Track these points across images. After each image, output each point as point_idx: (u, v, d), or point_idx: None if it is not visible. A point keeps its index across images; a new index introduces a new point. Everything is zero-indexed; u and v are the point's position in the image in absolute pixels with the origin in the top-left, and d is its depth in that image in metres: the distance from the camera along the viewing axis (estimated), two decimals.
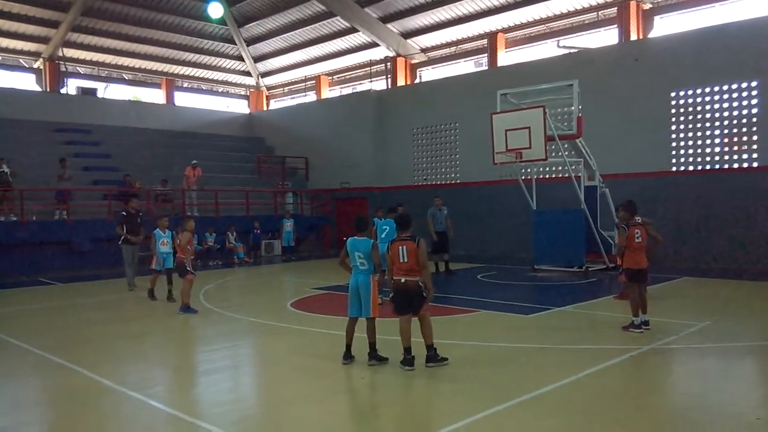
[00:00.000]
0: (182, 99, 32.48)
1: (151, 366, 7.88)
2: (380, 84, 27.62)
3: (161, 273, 12.68)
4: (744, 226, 16.05)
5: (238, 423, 5.67)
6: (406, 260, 6.98)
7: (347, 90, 30.62)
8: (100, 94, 28.73)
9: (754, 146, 16.20)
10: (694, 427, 5.24)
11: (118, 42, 28.61)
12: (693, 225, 16.79)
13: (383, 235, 11.70)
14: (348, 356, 7.30)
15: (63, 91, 27.77)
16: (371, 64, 28.16)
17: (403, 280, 7.00)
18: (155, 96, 31.85)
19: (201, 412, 6.04)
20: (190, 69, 32.13)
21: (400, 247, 7.02)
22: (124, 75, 30.80)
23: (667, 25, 19.93)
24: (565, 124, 17.01)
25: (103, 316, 11.45)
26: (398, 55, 26.67)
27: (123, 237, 14.28)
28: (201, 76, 32.94)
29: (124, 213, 14.81)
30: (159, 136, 26.76)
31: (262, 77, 33.71)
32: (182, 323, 10.52)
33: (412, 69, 27.15)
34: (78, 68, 29.16)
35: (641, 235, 8.85)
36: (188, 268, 11.15)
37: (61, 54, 27.66)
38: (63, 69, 28.07)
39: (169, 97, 31.37)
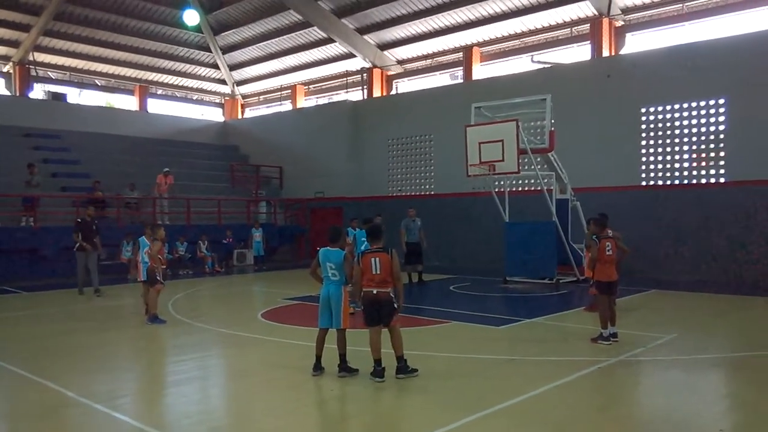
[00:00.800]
0: (156, 106, 32.18)
1: (116, 377, 7.71)
2: (356, 95, 27.69)
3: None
4: (712, 238, 16.36)
5: None
6: (378, 272, 6.96)
7: (323, 100, 30.63)
8: (71, 100, 28.30)
9: (722, 162, 16.57)
10: None
11: (90, 47, 28.26)
12: (662, 239, 17.07)
13: (363, 247, 11.67)
14: (318, 367, 7.25)
15: (32, 95, 27.28)
16: (347, 74, 28.24)
17: (374, 292, 6.97)
18: (128, 102, 31.50)
19: (168, 425, 5.93)
20: (164, 76, 31.85)
21: (373, 259, 7.00)
22: (96, 81, 30.41)
23: (638, 43, 20.35)
24: (538, 137, 17.23)
25: (69, 326, 11.21)
26: (374, 66, 26.79)
27: (78, 244, 14.64)
28: (175, 83, 32.68)
29: (79, 220, 15.16)
30: (131, 143, 26.39)
31: (237, 85, 33.56)
32: (150, 334, 10.34)
33: (389, 80, 27.27)
34: (49, 73, 28.73)
35: (611, 248, 8.97)
36: (158, 278, 10.98)
37: (31, 58, 27.21)
38: (33, 73, 27.62)
39: (143, 104, 31.04)
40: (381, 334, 7.05)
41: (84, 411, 6.23)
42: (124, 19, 27.48)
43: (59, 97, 27.25)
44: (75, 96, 29.50)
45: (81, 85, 30.18)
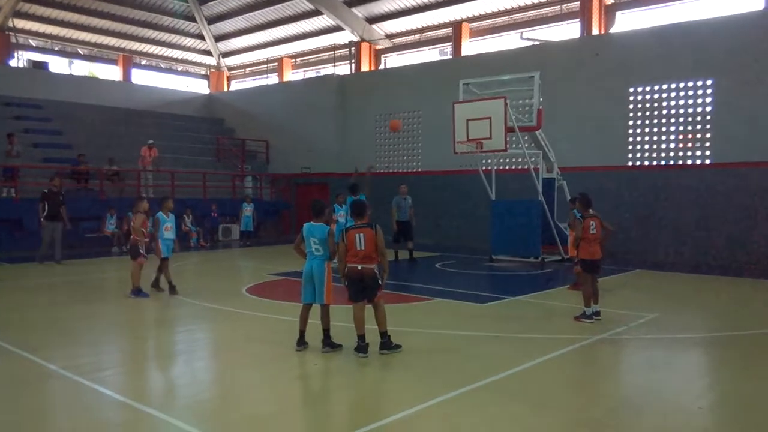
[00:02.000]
0: (140, 77, 31.67)
1: (99, 350, 7.67)
2: (344, 69, 27.41)
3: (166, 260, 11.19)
4: (696, 221, 16.49)
5: (187, 409, 5.57)
6: (363, 248, 6.92)
7: (310, 73, 30.31)
8: (53, 69, 27.74)
9: (707, 144, 16.64)
10: (639, 415, 5.35)
11: (72, 14, 27.66)
12: (648, 219, 17.18)
13: (345, 220, 11.71)
14: (302, 343, 7.24)
15: (12, 63, 26.71)
16: (335, 48, 27.91)
17: (359, 267, 6.95)
18: (111, 72, 30.96)
19: (150, 398, 5.91)
20: (149, 46, 31.32)
21: (357, 235, 6.95)
22: (79, 49, 29.84)
23: (627, 21, 20.27)
24: (526, 116, 17.18)
25: (50, 298, 11.12)
26: (363, 40, 26.48)
27: (45, 214, 14.91)
28: (160, 53, 32.15)
29: (45, 191, 15.24)
30: (114, 114, 25.98)
31: (223, 57, 33.09)
32: (133, 307, 10.27)
33: (377, 55, 27.00)
34: (30, 40, 28.10)
35: (596, 226, 8.99)
36: (141, 251, 10.88)
37: (11, 25, 26.57)
38: (14, 41, 27.00)
39: (126, 74, 30.53)
40: (365, 310, 7.05)
41: (66, 383, 6.18)
42: None
43: (41, 66, 26.70)
44: (57, 65, 28.92)
45: (63, 53, 29.59)
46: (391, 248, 15.93)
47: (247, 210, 21.82)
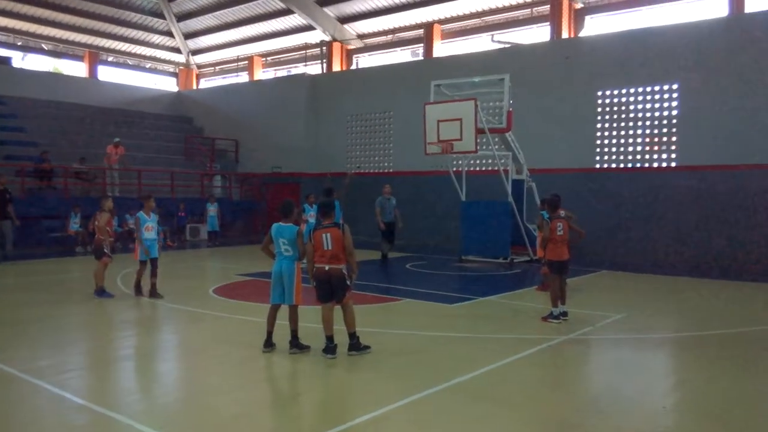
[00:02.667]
0: (107, 73, 31.07)
1: (61, 352, 7.45)
2: (315, 68, 27.26)
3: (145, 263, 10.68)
4: (662, 222, 16.79)
5: (151, 412, 5.46)
6: (330, 248, 6.87)
7: (281, 72, 30.09)
8: (16, 64, 27.05)
9: (673, 147, 16.96)
10: (604, 415, 5.40)
11: (36, 9, 27.00)
12: (615, 221, 17.43)
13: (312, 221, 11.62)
14: (269, 344, 7.15)
15: None
16: (306, 47, 27.75)
17: (326, 268, 6.89)
18: (77, 69, 30.31)
19: (112, 402, 5.76)
20: (116, 42, 30.74)
21: (324, 235, 6.90)
22: (43, 45, 29.13)
23: (596, 26, 20.56)
24: (496, 117, 17.30)
25: (11, 298, 10.81)
26: (334, 39, 26.38)
27: None
28: (127, 50, 31.57)
29: None
30: (80, 111, 25.43)
31: (192, 55, 32.65)
32: (97, 308, 10.04)
33: (348, 55, 26.92)
34: None
35: (563, 228, 9.07)
36: (105, 251, 10.65)
37: None
38: None
39: (93, 71, 29.91)
40: (333, 311, 6.99)
41: (26, 387, 5.99)
42: None
43: (4, 61, 26.00)
44: (20, 60, 28.18)
45: (26, 48, 28.86)
46: (379, 248, 16.06)
47: (212, 210, 21.43)
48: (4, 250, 15.02)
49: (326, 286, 6.94)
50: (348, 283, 6.95)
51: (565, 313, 8.98)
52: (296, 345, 7.11)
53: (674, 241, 16.60)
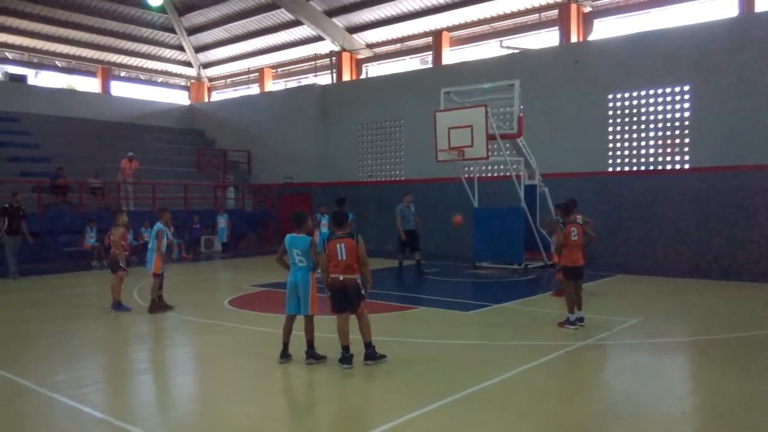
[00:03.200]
0: (119, 88, 31.43)
1: (78, 366, 7.52)
2: (325, 78, 27.41)
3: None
4: (674, 225, 16.66)
5: (169, 424, 5.48)
6: (344, 258, 6.88)
7: (291, 83, 30.27)
8: (31, 81, 27.44)
9: (686, 149, 16.84)
10: (621, 421, 5.35)
11: (49, 27, 27.41)
12: (629, 224, 17.32)
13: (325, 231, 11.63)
14: (285, 355, 7.16)
15: None
16: (316, 58, 27.92)
17: (341, 278, 6.90)
18: (90, 85, 30.69)
19: (130, 415, 5.78)
20: (128, 58, 31.10)
21: (338, 245, 6.91)
22: (56, 62, 29.55)
23: (605, 29, 20.51)
24: (507, 123, 17.25)
25: (28, 313, 10.90)
26: (343, 49, 26.52)
27: (3, 229, 15.04)
28: (139, 65, 31.94)
29: (6, 206, 15.36)
30: (94, 127, 25.75)
31: (203, 68, 32.96)
32: (113, 321, 10.12)
33: (358, 64, 27.05)
34: (6, 53, 27.78)
35: (577, 233, 9.01)
36: (121, 265, 10.73)
37: None
38: None
39: (105, 87, 30.28)
40: (349, 321, 6.99)
41: (43, 401, 6.04)
42: None
43: (18, 79, 26.39)
44: (33, 77, 28.58)
45: (40, 66, 29.28)
46: (395, 258, 15.81)
47: (222, 222, 21.51)
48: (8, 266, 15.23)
49: (341, 296, 6.94)
50: (363, 292, 6.96)
51: (581, 319, 8.91)
52: (312, 355, 7.12)
53: (690, 244, 16.46)
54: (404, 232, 15.25)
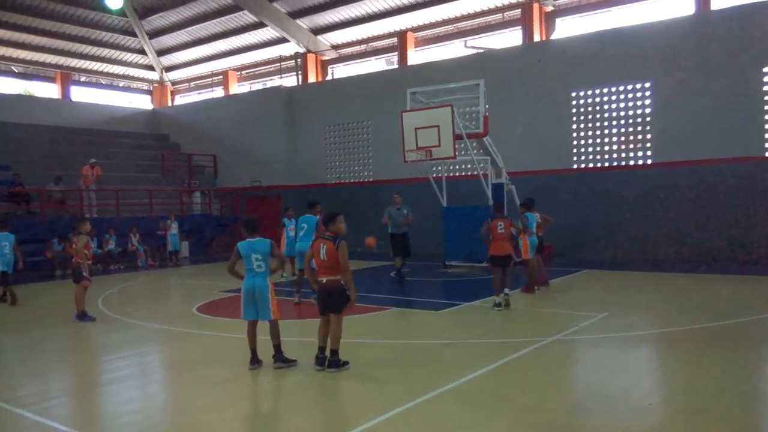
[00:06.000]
0: (79, 94, 30.74)
1: (43, 379, 7.32)
2: (291, 80, 27.24)
3: None
4: (643, 219, 16.99)
5: None
6: (324, 258, 6.84)
7: (257, 86, 30.00)
8: None
9: (648, 144, 17.20)
10: (591, 414, 5.44)
11: (4, 31, 26.65)
12: (594, 220, 17.60)
13: (302, 233, 11.45)
14: (255, 361, 7.09)
15: None
16: (281, 59, 27.71)
17: (323, 281, 6.89)
18: (49, 90, 29.96)
19: (98, 427, 5.68)
20: (88, 62, 30.44)
21: (322, 245, 6.89)
22: (13, 67, 28.76)
23: (567, 28, 20.80)
24: (473, 123, 17.37)
25: None
26: (308, 51, 26.40)
27: None
28: (100, 69, 31.28)
29: None
30: (53, 133, 25.11)
31: (166, 71, 32.46)
32: (78, 332, 9.89)
33: (323, 66, 26.95)
34: None
35: (504, 227, 10.30)
36: (84, 274, 10.49)
37: None
38: None
39: (65, 92, 29.59)
40: (328, 324, 6.96)
41: (8, 417, 5.87)
42: (41, 1, 25.97)
43: None
44: None
45: None
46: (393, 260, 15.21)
47: (173, 227, 20.66)
48: None
49: (324, 297, 6.92)
50: (348, 296, 6.92)
51: (499, 305, 10.02)
52: (281, 359, 7.06)
53: (651, 239, 16.81)
54: (392, 235, 14.73)
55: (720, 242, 15.94)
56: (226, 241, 24.86)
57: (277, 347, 7.09)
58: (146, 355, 8.59)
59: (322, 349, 6.93)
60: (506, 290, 10.22)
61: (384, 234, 14.59)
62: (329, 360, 6.93)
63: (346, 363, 6.99)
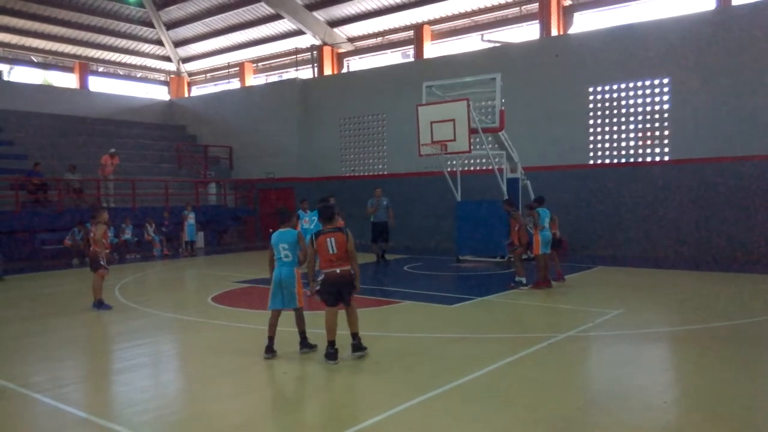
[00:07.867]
0: (97, 84, 30.97)
1: (59, 366, 7.42)
2: (306, 73, 27.25)
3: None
4: (655, 216, 16.85)
5: (153, 423, 5.41)
6: (335, 251, 6.89)
7: (272, 78, 30.04)
8: (4, 77, 26.94)
9: (666, 141, 17.02)
10: (604, 411, 5.41)
11: (24, 21, 26.87)
12: (609, 216, 17.48)
13: (311, 226, 11.62)
14: (270, 350, 7.14)
15: None
16: (297, 52, 27.72)
17: (338, 271, 6.92)
18: (67, 80, 30.20)
19: (113, 413, 5.74)
20: (106, 53, 30.64)
21: (328, 239, 6.93)
22: (32, 57, 29.02)
23: (585, 22, 20.60)
24: (489, 117, 17.32)
25: (9, 313, 10.74)
26: (324, 43, 26.38)
27: None
28: (117, 60, 31.48)
29: None
30: (72, 123, 25.35)
31: (183, 63, 32.59)
32: (95, 320, 10.01)
33: (339, 58, 26.92)
34: None
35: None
36: (101, 263, 10.59)
37: None
38: None
39: (83, 82, 29.80)
40: (337, 316, 7.00)
41: (25, 401, 5.96)
42: None
43: None
44: (8, 74, 28.06)
45: (15, 61, 28.75)
46: (370, 249, 16.80)
47: (190, 218, 20.64)
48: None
49: (334, 289, 6.94)
50: (355, 285, 7.01)
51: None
52: (306, 345, 7.26)
53: (667, 234, 16.66)
54: (375, 223, 16.52)
55: (754, 238, 15.68)
56: (241, 232, 25.03)
57: (303, 334, 7.28)
58: (161, 343, 8.67)
59: (332, 343, 6.95)
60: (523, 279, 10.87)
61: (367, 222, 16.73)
62: (353, 344, 7.04)
63: (365, 348, 7.12)
